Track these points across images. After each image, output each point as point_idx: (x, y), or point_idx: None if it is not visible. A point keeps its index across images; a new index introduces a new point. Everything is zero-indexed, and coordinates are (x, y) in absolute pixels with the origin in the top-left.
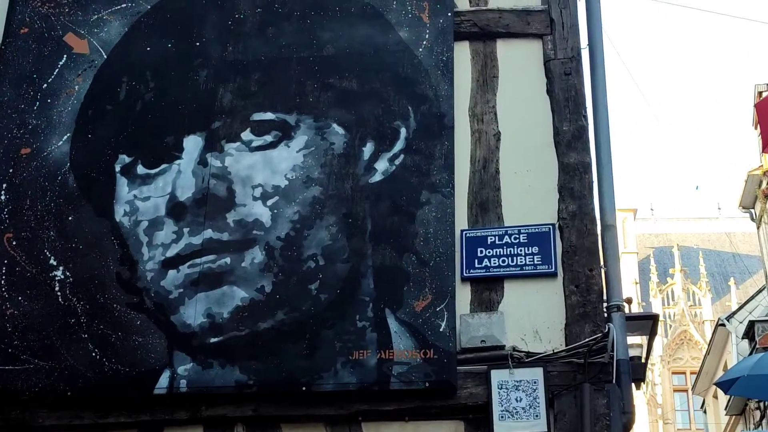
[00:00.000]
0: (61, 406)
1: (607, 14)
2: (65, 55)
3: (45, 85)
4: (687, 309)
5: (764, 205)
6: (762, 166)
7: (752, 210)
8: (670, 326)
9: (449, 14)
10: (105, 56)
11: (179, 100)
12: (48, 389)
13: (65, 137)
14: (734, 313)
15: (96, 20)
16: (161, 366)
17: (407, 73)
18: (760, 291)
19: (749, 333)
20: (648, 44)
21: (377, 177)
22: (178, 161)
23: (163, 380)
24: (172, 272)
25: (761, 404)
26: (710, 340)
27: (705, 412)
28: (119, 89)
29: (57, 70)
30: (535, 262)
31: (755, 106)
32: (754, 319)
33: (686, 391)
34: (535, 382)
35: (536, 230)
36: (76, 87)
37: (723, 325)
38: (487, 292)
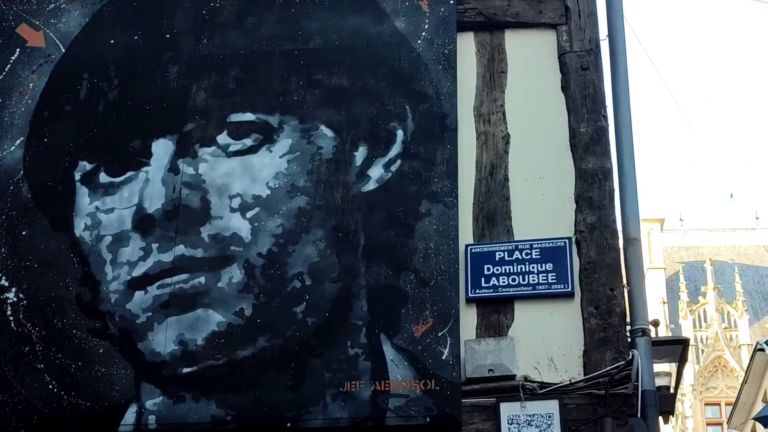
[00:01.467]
0: None
1: (630, 1)
2: (18, 49)
3: None
4: (721, 332)
5: None
6: None
7: None
8: (703, 351)
9: (452, 2)
10: (63, 50)
11: (147, 99)
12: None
13: (18, 141)
14: None
15: (53, 9)
16: (127, 400)
17: (404, 69)
18: None
19: None
20: (676, 35)
21: (371, 185)
22: (145, 168)
23: (129, 416)
24: (139, 294)
25: None
26: (748, 367)
27: None
28: (79, 87)
29: (9, 66)
30: (550, 281)
31: None
32: None
33: (721, 425)
34: (550, 417)
35: (550, 245)
36: (31, 85)
37: (762, 350)
38: (496, 314)
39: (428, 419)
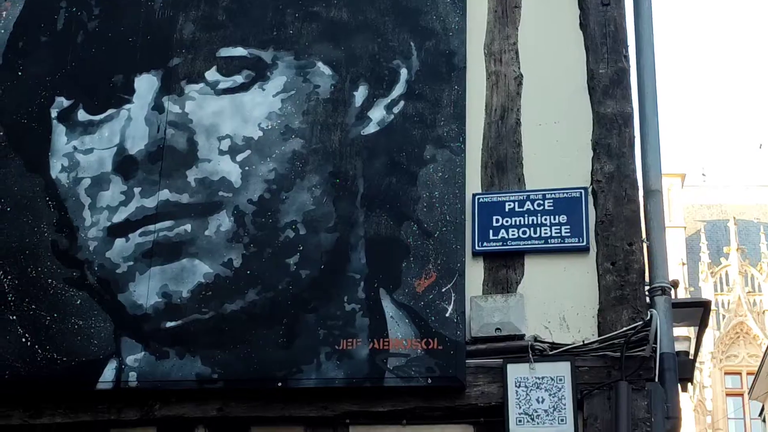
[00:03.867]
0: None
1: None
2: None
3: None
4: (744, 296)
5: None
6: None
7: None
8: (724, 316)
9: None
10: None
11: (130, 31)
12: None
13: None
14: None
15: None
16: (106, 355)
17: (409, 1)
18: None
19: None
20: None
21: (371, 128)
22: (128, 106)
23: (108, 373)
24: (119, 241)
25: None
26: None
27: (764, 420)
28: (56, 16)
29: None
30: (563, 234)
31: None
32: None
33: (741, 395)
34: (560, 380)
35: (565, 195)
36: (4, 13)
37: None
38: (504, 269)
39: (430, 380)
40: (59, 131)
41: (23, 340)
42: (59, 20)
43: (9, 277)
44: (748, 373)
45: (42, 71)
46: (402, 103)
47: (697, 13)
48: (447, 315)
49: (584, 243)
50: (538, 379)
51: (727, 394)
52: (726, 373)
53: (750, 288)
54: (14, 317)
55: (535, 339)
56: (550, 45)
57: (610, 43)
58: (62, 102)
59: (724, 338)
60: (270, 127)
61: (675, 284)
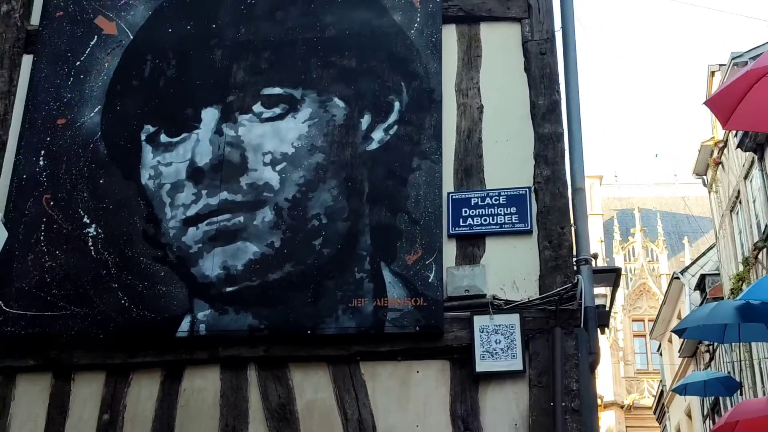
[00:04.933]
0: (94, 347)
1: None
2: (96, 36)
3: (78, 62)
4: (646, 264)
5: (715, 173)
6: (713, 137)
7: (704, 176)
8: (631, 279)
9: (438, 0)
10: (131, 37)
11: (198, 76)
12: (82, 332)
13: (96, 109)
14: (687, 267)
15: (123, 5)
16: (183, 312)
17: (400, 53)
18: (710, 248)
19: (701, 285)
20: (616, 23)
21: (374, 145)
22: (196, 131)
23: (185, 324)
24: (192, 229)
25: (711, 347)
26: (666, 292)
27: (661, 354)
28: (144, 66)
29: (89, 50)
30: (513, 221)
31: (705, 104)
32: (705, 272)
33: (644, 336)
34: (512, 327)
35: (514, 193)
36: (106, 64)
37: (677, 278)
38: (471, 247)
39: (417, 328)
40: (147, 150)
41: (122, 302)
42: (146, 69)
43: (112, 257)
44: (649, 320)
45: (134, 106)
46: (396, 127)
47: (614, 50)
48: (429, 280)
49: (528, 227)
50: (496, 326)
51: (634, 336)
52: (633, 320)
53: (650, 258)
54: (116, 285)
55: (494, 297)
56: (502, 83)
57: (546, 82)
58: (149, 129)
59: (631, 295)
60: (300, 145)
61: (595, 256)
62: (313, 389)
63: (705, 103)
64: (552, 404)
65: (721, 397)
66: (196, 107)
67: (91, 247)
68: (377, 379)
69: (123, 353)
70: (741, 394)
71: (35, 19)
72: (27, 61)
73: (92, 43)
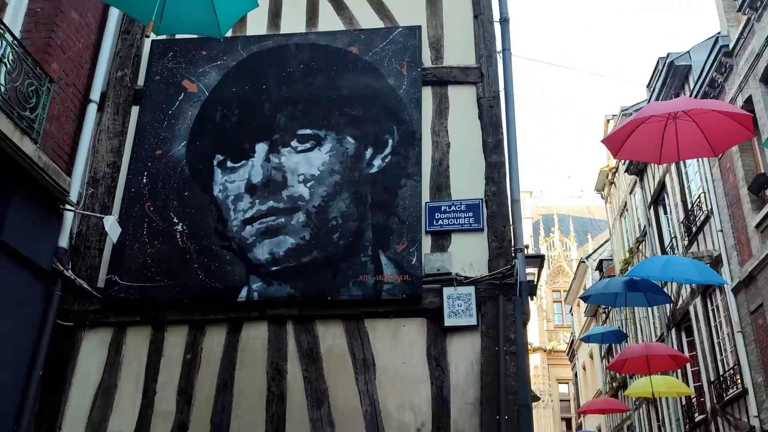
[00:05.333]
0: (180, 308)
1: (516, 67)
2: (183, 93)
3: (170, 111)
4: (562, 252)
5: (609, 189)
6: (608, 165)
7: (602, 192)
8: (551, 263)
9: (419, 69)
10: (207, 94)
11: (252, 121)
12: (172, 298)
13: (183, 144)
14: (590, 255)
15: (202, 72)
16: (242, 284)
17: (393, 106)
18: (606, 242)
19: (599, 267)
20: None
21: (375, 169)
22: (252, 159)
23: (243, 293)
24: (248, 227)
25: (606, 310)
26: (575, 271)
27: (572, 314)
28: (216, 114)
29: (177, 103)
30: (471, 222)
31: (602, 142)
32: (602, 258)
33: (561, 302)
34: (469, 295)
35: (471, 203)
36: (189, 113)
37: (583, 262)
38: (441, 240)
39: (404, 296)
40: (217, 172)
41: (200, 277)
42: (217, 116)
43: (193, 246)
44: (564, 291)
45: (208, 142)
46: (390, 157)
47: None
48: (413, 263)
49: (481, 226)
50: (458, 294)
51: (554, 301)
52: (552, 291)
53: (565, 248)
54: (195, 265)
55: (457, 275)
56: (463, 127)
57: (493, 126)
58: (219, 157)
59: (551, 273)
60: (323, 169)
61: (526, 247)
62: (331, 337)
63: (602, 141)
64: (497, 348)
65: (613, 344)
66: (252, 142)
67: (179, 239)
68: (376, 330)
69: (200, 312)
70: (626, 342)
71: (140, 81)
72: (135, 110)
73: (180, 98)
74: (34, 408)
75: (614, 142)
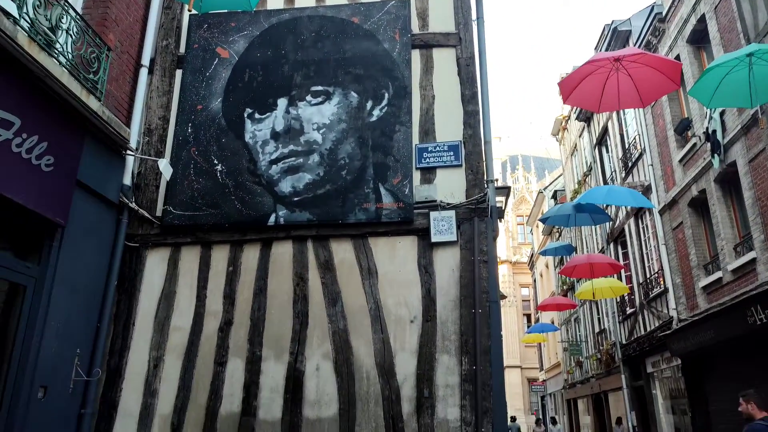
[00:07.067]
0: (222, 231)
1: (489, 33)
2: (217, 58)
3: (207, 73)
4: (525, 185)
5: (563, 134)
6: (562, 114)
7: (557, 136)
8: (516, 194)
9: (409, 35)
10: (236, 58)
11: (274, 80)
12: (216, 223)
13: (219, 99)
14: (547, 187)
15: (231, 40)
16: (270, 212)
17: (388, 66)
18: (559, 176)
19: (554, 196)
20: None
21: (374, 118)
22: (275, 111)
23: (272, 219)
24: (274, 166)
25: (559, 229)
26: (535, 200)
27: (532, 233)
28: (245, 75)
29: (213, 66)
30: (452, 160)
31: (558, 84)
32: (557, 189)
33: (523, 224)
34: (451, 217)
35: (453, 144)
36: (223, 74)
37: (541, 192)
38: (428, 174)
39: (399, 219)
40: (248, 122)
41: (237, 206)
42: (246, 77)
43: (230, 182)
44: (526, 215)
45: (239, 97)
46: (386, 108)
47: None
48: (406, 193)
49: (460, 163)
50: (442, 217)
51: (518, 224)
52: (517, 215)
53: (526, 182)
54: (233, 197)
55: (441, 202)
56: (445, 82)
57: (469, 82)
58: (248, 110)
59: (516, 202)
60: (333, 119)
61: (496, 180)
62: (342, 252)
63: (558, 83)
64: (472, 258)
65: (564, 256)
66: (274, 98)
67: (219, 177)
68: (377, 246)
69: (238, 234)
70: (575, 254)
71: (182, 48)
72: (178, 73)
73: (215, 62)
74: (112, 309)
75: (566, 88)
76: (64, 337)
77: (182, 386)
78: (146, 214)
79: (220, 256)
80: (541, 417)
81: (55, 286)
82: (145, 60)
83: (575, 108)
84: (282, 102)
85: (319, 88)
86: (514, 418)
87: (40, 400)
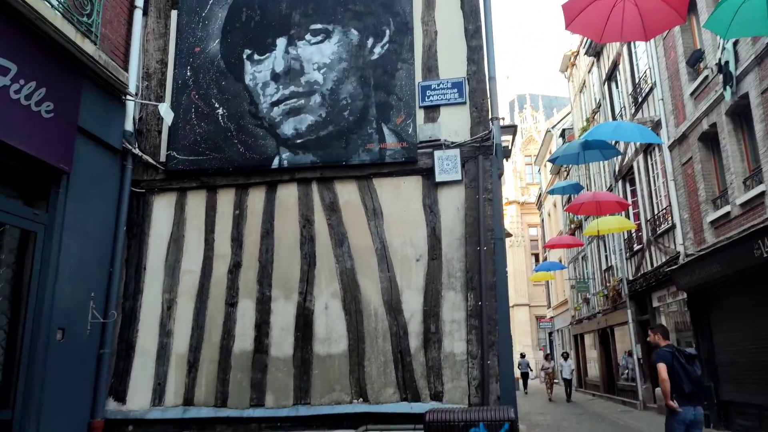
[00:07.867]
0: (227, 174)
1: None
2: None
3: (203, 14)
4: (533, 124)
5: (572, 70)
6: (571, 50)
7: (566, 72)
8: (524, 133)
9: None
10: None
11: (273, 20)
12: (220, 167)
13: (217, 41)
14: (555, 125)
15: None
16: (274, 154)
17: (389, 1)
18: (568, 114)
19: (563, 135)
20: None
21: (375, 56)
22: (274, 51)
23: (276, 161)
24: (275, 108)
25: (568, 168)
26: (543, 139)
27: (540, 173)
28: (242, 15)
29: (209, 6)
30: (456, 97)
31: (562, 7)
32: (565, 127)
33: (531, 164)
34: (455, 156)
35: (456, 81)
36: (220, 14)
37: (549, 131)
38: (432, 113)
39: (403, 159)
40: (247, 64)
41: (240, 149)
42: (243, 16)
43: (233, 125)
44: (534, 155)
45: (238, 38)
46: (387, 45)
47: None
48: (409, 132)
49: (464, 100)
50: (447, 156)
51: (526, 164)
52: (525, 156)
53: (535, 121)
54: (236, 141)
55: (445, 140)
56: (448, 17)
57: (473, 15)
58: (248, 51)
59: (524, 142)
60: (333, 58)
61: (503, 118)
62: (347, 193)
63: (562, 5)
64: (477, 196)
65: (572, 195)
66: (273, 38)
67: (220, 121)
68: (382, 187)
69: (243, 177)
70: (584, 191)
71: None
72: (174, 14)
73: (210, 2)
74: (123, 254)
75: (570, 12)
76: (78, 281)
77: (196, 326)
78: (150, 160)
79: (225, 200)
80: (549, 352)
81: (64, 231)
82: (139, 1)
83: (584, 41)
84: (281, 42)
85: (319, 26)
86: (523, 355)
87: (59, 341)
